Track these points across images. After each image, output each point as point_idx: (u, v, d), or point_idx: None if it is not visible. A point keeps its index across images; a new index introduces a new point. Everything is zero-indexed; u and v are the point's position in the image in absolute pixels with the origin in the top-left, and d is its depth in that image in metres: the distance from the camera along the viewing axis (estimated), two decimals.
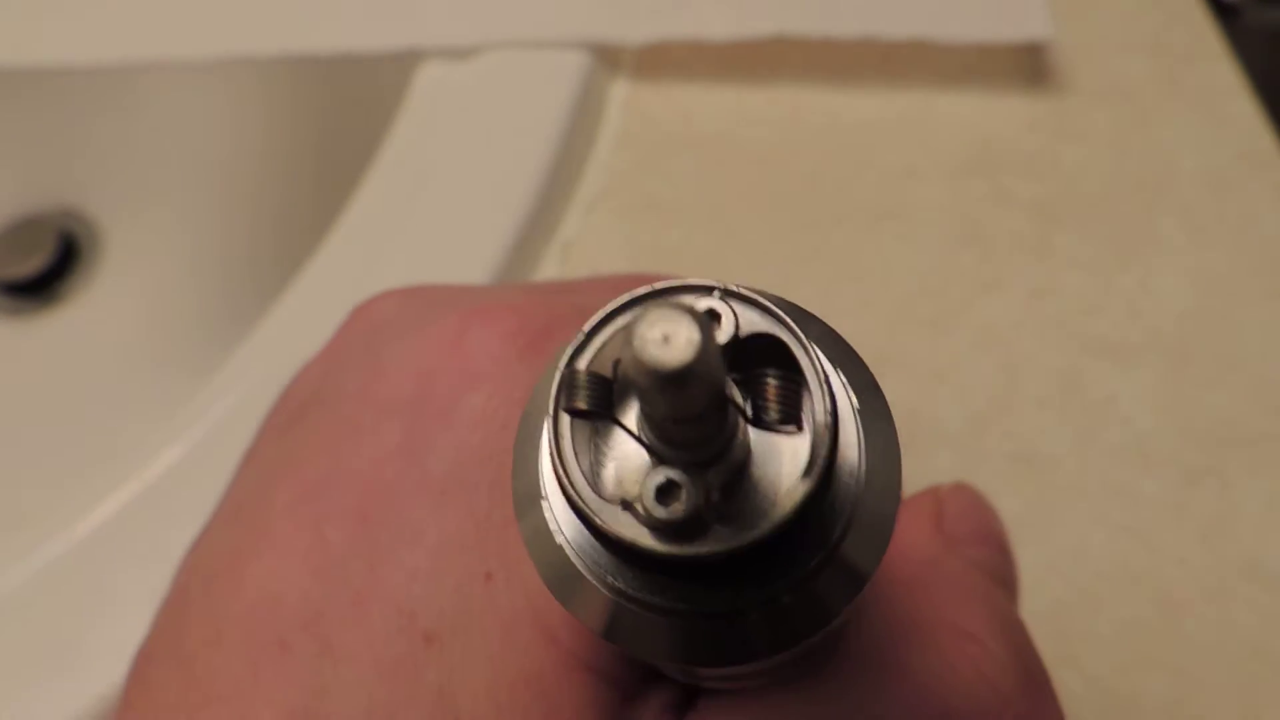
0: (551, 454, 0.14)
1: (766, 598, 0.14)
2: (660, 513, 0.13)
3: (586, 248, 0.38)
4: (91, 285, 0.52)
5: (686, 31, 0.41)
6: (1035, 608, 0.31)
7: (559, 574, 0.14)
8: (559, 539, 0.14)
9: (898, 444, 0.15)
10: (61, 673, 0.30)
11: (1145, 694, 0.30)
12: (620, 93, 0.42)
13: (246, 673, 0.18)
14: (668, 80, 0.42)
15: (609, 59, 0.42)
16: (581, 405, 0.14)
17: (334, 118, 0.50)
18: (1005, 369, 0.35)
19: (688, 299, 0.14)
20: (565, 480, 0.13)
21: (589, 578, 0.14)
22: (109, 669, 0.29)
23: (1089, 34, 0.42)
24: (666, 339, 0.11)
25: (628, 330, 0.12)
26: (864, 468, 0.14)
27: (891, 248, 0.38)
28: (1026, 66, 0.41)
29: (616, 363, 0.14)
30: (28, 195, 0.53)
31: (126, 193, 0.53)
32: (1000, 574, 0.22)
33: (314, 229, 0.39)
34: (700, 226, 0.39)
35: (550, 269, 0.38)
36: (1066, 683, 0.30)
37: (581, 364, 0.14)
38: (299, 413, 0.22)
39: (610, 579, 0.14)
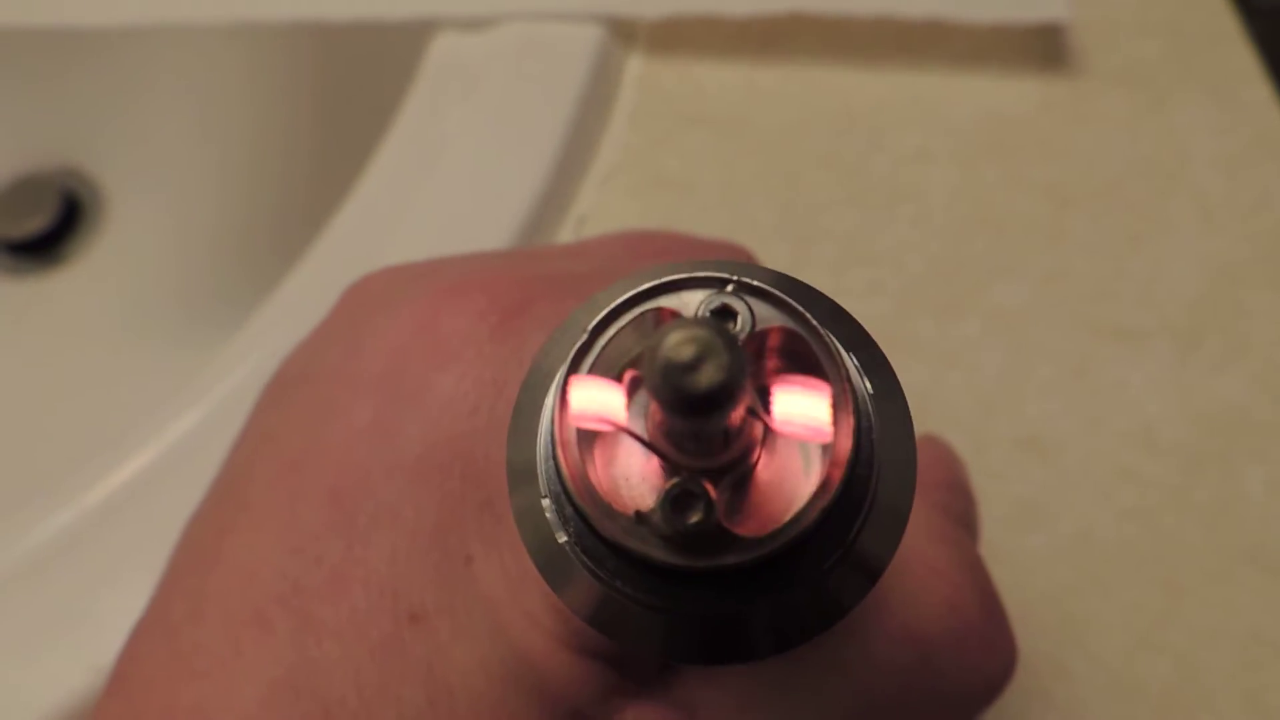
0: (560, 466, 0.13)
1: (778, 600, 0.13)
2: (679, 525, 0.12)
3: (600, 223, 0.38)
4: (94, 245, 0.51)
5: (702, 7, 0.40)
6: (1041, 591, 0.32)
7: (550, 558, 0.14)
8: (561, 539, 0.14)
9: (912, 430, 0.14)
10: (69, 644, 0.30)
11: (1149, 677, 0.30)
12: (635, 68, 0.42)
13: (227, 647, 0.18)
14: (682, 56, 0.42)
15: (624, 33, 0.42)
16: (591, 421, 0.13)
17: (346, 87, 0.49)
18: (1015, 353, 0.35)
19: (701, 295, 0.14)
20: (582, 504, 0.13)
21: (594, 581, 0.14)
22: (118, 641, 0.29)
23: (1105, 16, 0.42)
24: (695, 363, 0.11)
25: (651, 351, 0.11)
26: (878, 458, 0.14)
27: (903, 230, 0.38)
28: (1042, 48, 0.41)
29: (626, 370, 0.14)
30: (30, 154, 0.53)
31: (130, 152, 0.53)
32: (965, 519, 0.24)
33: (325, 196, 0.39)
34: (712, 203, 0.39)
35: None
36: (1071, 665, 0.31)
37: (586, 367, 0.13)
38: (286, 389, 0.22)
39: (618, 584, 0.13)
